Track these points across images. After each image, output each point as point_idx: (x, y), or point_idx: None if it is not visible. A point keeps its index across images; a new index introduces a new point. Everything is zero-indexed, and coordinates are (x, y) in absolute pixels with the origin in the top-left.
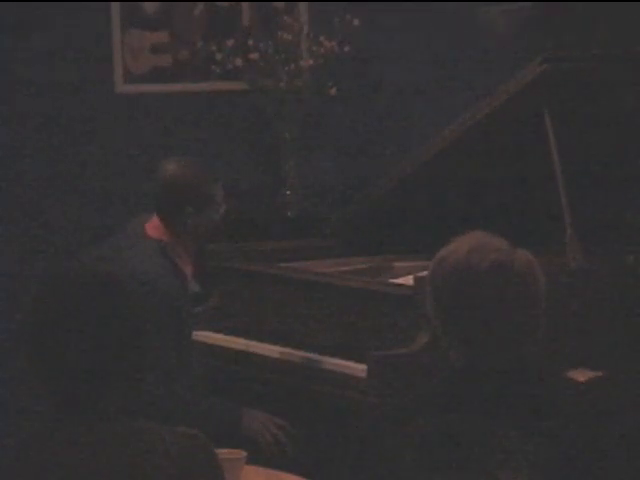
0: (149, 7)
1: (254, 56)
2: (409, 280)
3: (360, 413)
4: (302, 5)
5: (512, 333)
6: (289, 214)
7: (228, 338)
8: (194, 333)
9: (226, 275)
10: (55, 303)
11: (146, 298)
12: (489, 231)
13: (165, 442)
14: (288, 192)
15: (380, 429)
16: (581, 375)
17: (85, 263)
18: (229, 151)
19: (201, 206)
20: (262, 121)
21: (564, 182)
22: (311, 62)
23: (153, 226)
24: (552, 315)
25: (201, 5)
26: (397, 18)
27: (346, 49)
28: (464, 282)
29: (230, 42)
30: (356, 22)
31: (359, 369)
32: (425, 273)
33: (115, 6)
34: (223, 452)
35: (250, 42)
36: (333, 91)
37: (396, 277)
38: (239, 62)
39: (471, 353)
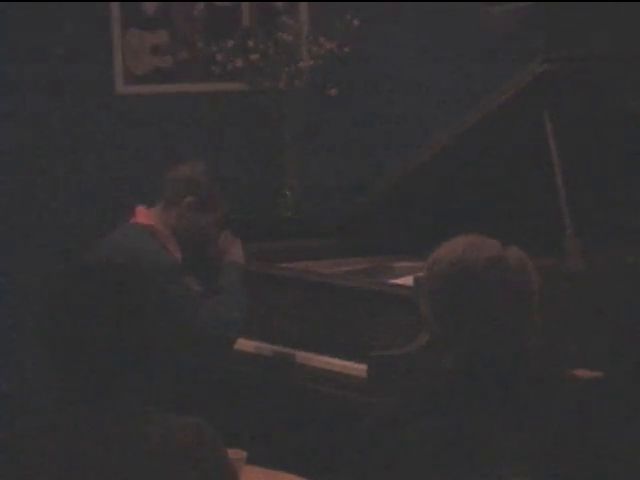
0: (149, 7)
1: (254, 57)
2: (409, 280)
3: (360, 413)
4: (302, 5)
5: (509, 329)
6: (289, 214)
7: None
8: None
9: None
10: (71, 293)
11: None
12: (489, 231)
13: (175, 430)
14: (288, 192)
15: (380, 429)
16: (581, 375)
17: (99, 255)
18: (229, 151)
19: (201, 205)
20: (262, 121)
21: (564, 182)
22: (311, 62)
23: (140, 214)
24: (552, 315)
25: (201, 5)
26: (397, 18)
27: (346, 49)
28: (461, 279)
29: (230, 43)
30: (356, 22)
31: (359, 369)
32: None
33: (115, 6)
34: None
35: (250, 43)
36: (333, 91)
37: (396, 277)
38: (239, 63)
39: (469, 352)
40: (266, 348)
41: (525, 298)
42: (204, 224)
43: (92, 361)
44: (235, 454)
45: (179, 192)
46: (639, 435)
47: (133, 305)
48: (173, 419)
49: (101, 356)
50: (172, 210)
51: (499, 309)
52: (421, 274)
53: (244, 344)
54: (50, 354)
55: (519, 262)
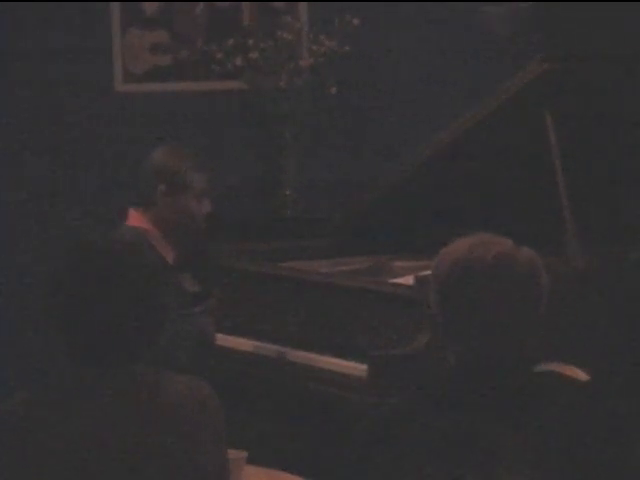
0: (149, 7)
1: (254, 55)
2: (409, 280)
3: (360, 413)
4: (302, 4)
5: (514, 328)
6: (289, 214)
7: (228, 338)
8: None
9: (226, 275)
10: (78, 263)
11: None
12: (489, 231)
13: (177, 386)
14: (288, 192)
15: (380, 429)
16: (581, 374)
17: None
18: (229, 151)
19: (174, 188)
20: (262, 121)
21: (564, 182)
22: (311, 61)
23: (131, 216)
24: (552, 315)
25: (201, 4)
26: (397, 18)
27: (346, 48)
28: (469, 275)
29: (230, 41)
30: (356, 22)
31: (359, 369)
32: (426, 273)
33: (115, 6)
34: None
35: (250, 41)
36: (333, 90)
37: (396, 277)
38: (239, 61)
39: (473, 350)
40: (266, 348)
41: (532, 298)
42: (185, 204)
43: (98, 325)
44: (235, 454)
45: (149, 186)
46: (638, 435)
47: (136, 270)
48: (182, 378)
49: (106, 320)
50: (152, 205)
51: (504, 306)
52: (421, 274)
53: (244, 344)
54: (56, 323)
55: (528, 262)
